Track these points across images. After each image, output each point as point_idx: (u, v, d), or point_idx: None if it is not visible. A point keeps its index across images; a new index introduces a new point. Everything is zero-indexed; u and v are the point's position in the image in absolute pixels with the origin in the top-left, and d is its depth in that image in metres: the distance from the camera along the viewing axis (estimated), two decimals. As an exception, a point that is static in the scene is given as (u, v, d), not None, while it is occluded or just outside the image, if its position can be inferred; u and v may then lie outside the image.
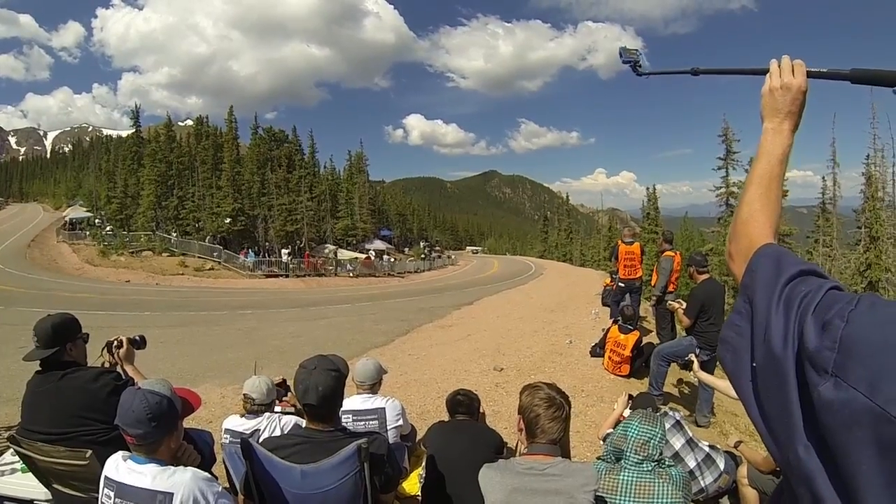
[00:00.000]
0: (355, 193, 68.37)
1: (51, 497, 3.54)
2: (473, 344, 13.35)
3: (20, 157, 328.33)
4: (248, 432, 4.08)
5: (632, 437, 3.62)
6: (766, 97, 1.59)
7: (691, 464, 4.84)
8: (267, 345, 14.56)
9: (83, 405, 3.26)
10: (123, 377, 3.56)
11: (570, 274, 47.55)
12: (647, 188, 57.55)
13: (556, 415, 2.87)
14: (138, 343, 4.13)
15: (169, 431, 2.59)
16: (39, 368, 3.50)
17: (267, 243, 57.14)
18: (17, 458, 3.93)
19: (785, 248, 1.34)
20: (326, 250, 56.29)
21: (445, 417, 4.74)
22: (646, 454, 3.54)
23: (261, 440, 3.58)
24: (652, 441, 3.58)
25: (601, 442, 5.15)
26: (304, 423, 4.26)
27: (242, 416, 4.35)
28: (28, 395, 3.46)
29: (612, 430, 5.05)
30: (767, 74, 1.63)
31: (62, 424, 3.23)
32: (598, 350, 10.14)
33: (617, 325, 9.45)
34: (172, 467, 2.49)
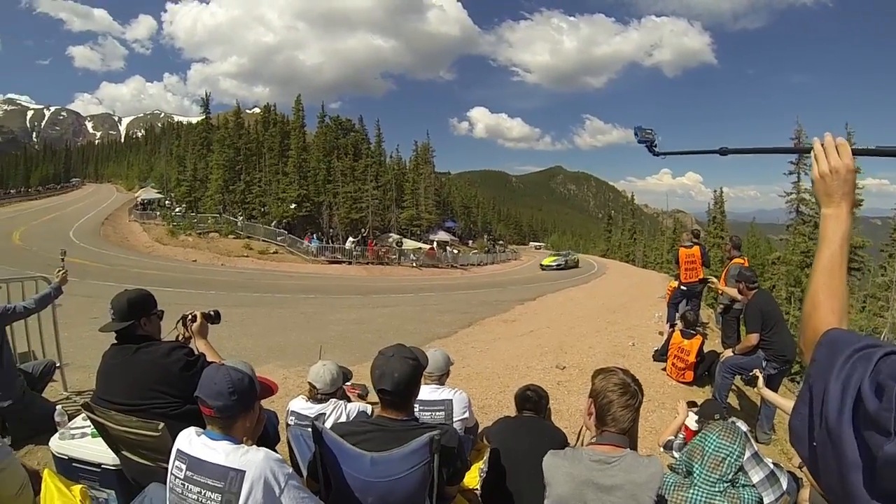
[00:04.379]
0: (421, 184, 68.27)
1: (118, 462, 3.65)
2: (536, 340, 13.22)
3: (96, 141, 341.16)
4: (313, 416, 4.12)
5: (709, 452, 3.52)
6: (818, 183, 1.60)
7: (755, 478, 4.74)
8: (329, 330, 14.65)
9: (156, 379, 3.33)
10: (195, 353, 3.62)
11: (633, 275, 47.09)
12: (714, 191, 56.56)
13: (630, 403, 2.75)
14: (212, 318, 4.14)
15: (246, 409, 2.63)
16: (115, 341, 3.59)
17: (331, 230, 57.42)
18: (87, 423, 4.09)
19: (846, 330, 1.35)
20: (390, 239, 56.10)
21: (506, 412, 4.73)
22: (720, 473, 3.45)
23: (327, 425, 3.67)
24: (728, 459, 3.47)
25: (660, 449, 5.06)
26: (369, 409, 4.44)
27: (308, 399, 4.36)
28: (103, 365, 3.54)
29: (672, 437, 5.02)
30: (812, 156, 1.63)
31: (136, 396, 3.30)
32: (660, 355, 9.98)
33: (679, 331, 9.30)
34: (245, 446, 2.51)
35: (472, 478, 4.56)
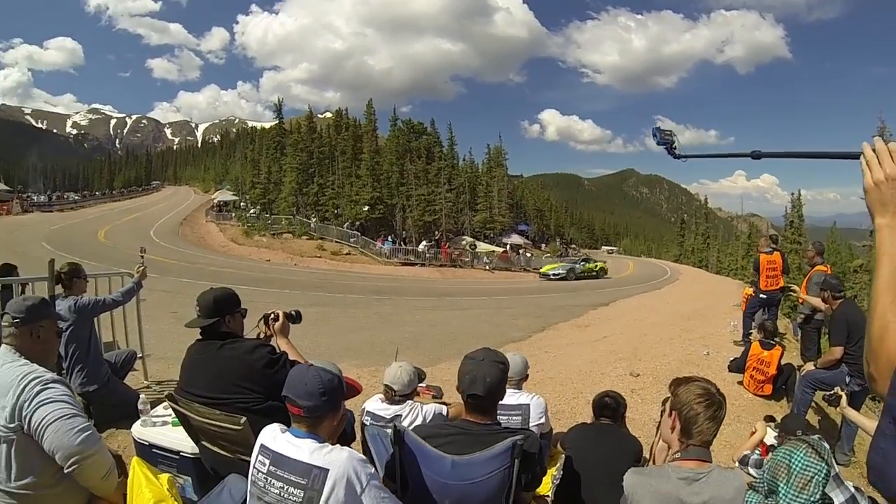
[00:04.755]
0: (494, 187, 67.48)
1: (196, 451, 3.78)
2: (609, 346, 13.09)
3: (175, 147, 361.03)
4: (389, 416, 4.17)
5: (795, 470, 3.27)
6: (872, 191, 1.48)
7: (837, 501, 4.51)
8: (403, 331, 14.80)
9: (240, 375, 3.41)
10: (278, 351, 3.67)
11: (707, 281, 46.12)
12: (791, 194, 54.26)
13: (716, 414, 2.68)
14: (294, 318, 4.19)
15: (334, 409, 2.66)
16: (200, 336, 3.69)
17: (404, 232, 57.63)
18: (168, 412, 4.34)
19: None
20: (464, 242, 56.23)
21: (579, 419, 4.70)
22: (808, 494, 3.22)
23: (404, 426, 3.79)
24: (816, 479, 3.24)
25: (735, 464, 4.85)
26: (445, 410, 4.45)
27: (384, 400, 4.37)
28: (188, 359, 3.66)
29: (749, 451, 4.88)
30: (861, 161, 1.51)
31: (219, 390, 3.40)
32: (736, 366, 9.51)
33: (758, 341, 8.95)
34: (329, 445, 2.52)
35: (545, 484, 4.39)
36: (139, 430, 4.32)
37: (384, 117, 71.54)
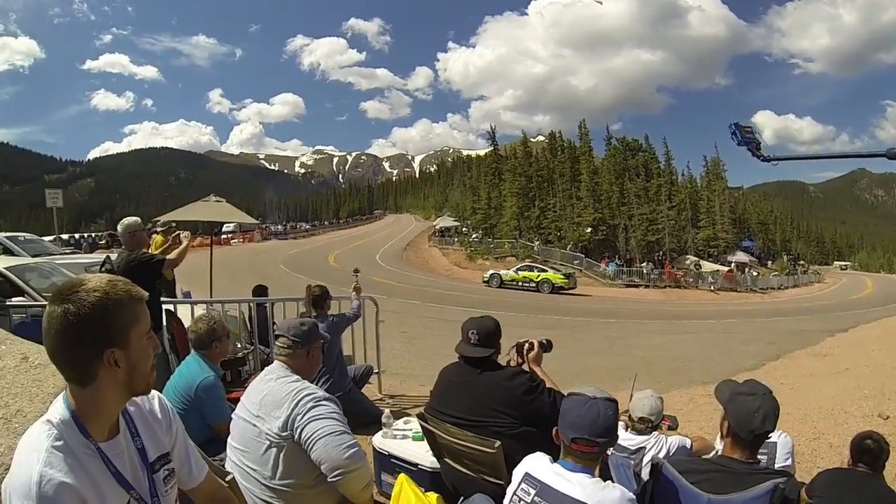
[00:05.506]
0: (715, 201, 65.05)
1: (435, 466, 4.03)
2: (853, 380, 11.90)
3: (393, 178, 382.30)
4: (633, 448, 4.18)
5: None
6: None
7: None
8: (632, 355, 14.71)
9: (500, 400, 3.48)
10: (536, 379, 3.70)
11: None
12: None
13: None
14: (546, 347, 4.18)
15: (614, 442, 2.67)
16: (459, 360, 3.81)
17: (627, 253, 56.99)
18: (409, 426, 4.83)
19: None
20: (688, 261, 54.60)
21: (820, 462, 4.28)
22: None
23: (646, 459, 4.00)
24: None
25: None
26: (688, 443, 4.34)
27: (627, 429, 4.32)
28: (444, 381, 3.83)
29: None
30: None
31: (476, 413, 3.50)
32: None
33: None
34: (602, 481, 2.46)
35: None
36: (380, 441, 4.73)
37: (597, 137, 71.29)
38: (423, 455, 4.31)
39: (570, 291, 36.48)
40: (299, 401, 3.03)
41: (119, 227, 6.10)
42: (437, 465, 4.02)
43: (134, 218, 6.26)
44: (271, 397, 3.11)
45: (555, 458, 2.59)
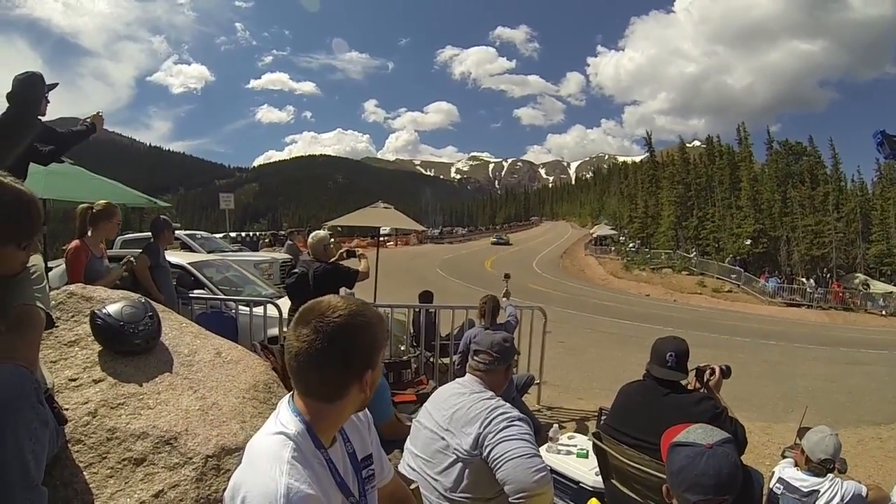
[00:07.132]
0: (890, 211, 56.50)
1: (597, 486, 4.02)
2: None
3: (549, 185, 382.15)
4: (806, 490, 3.85)
5: None
6: None
7: None
8: (795, 384, 13.68)
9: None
10: (721, 406, 3.62)
11: None
12: None
13: None
14: (725, 373, 4.06)
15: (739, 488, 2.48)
16: (642, 379, 3.83)
17: (788, 268, 53.32)
18: (573, 442, 4.88)
19: None
20: (856, 280, 48.29)
21: None
22: None
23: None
24: None
25: None
26: (864, 491, 3.89)
27: (801, 469, 3.97)
28: (625, 400, 3.81)
29: None
30: None
31: (656, 436, 3.25)
32: None
33: None
34: None
35: None
36: (544, 455, 4.44)
37: (756, 140, 67.61)
38: (585, 473, 4.35)
39: (730, 308, 35.41)
40: (493, 419, 3.02)
41: (311, 239, 6.71)
42: (599, 484, 4.03)
43: (324, 232, 6.91)
44: (463, 412, 3.12)
45: None
